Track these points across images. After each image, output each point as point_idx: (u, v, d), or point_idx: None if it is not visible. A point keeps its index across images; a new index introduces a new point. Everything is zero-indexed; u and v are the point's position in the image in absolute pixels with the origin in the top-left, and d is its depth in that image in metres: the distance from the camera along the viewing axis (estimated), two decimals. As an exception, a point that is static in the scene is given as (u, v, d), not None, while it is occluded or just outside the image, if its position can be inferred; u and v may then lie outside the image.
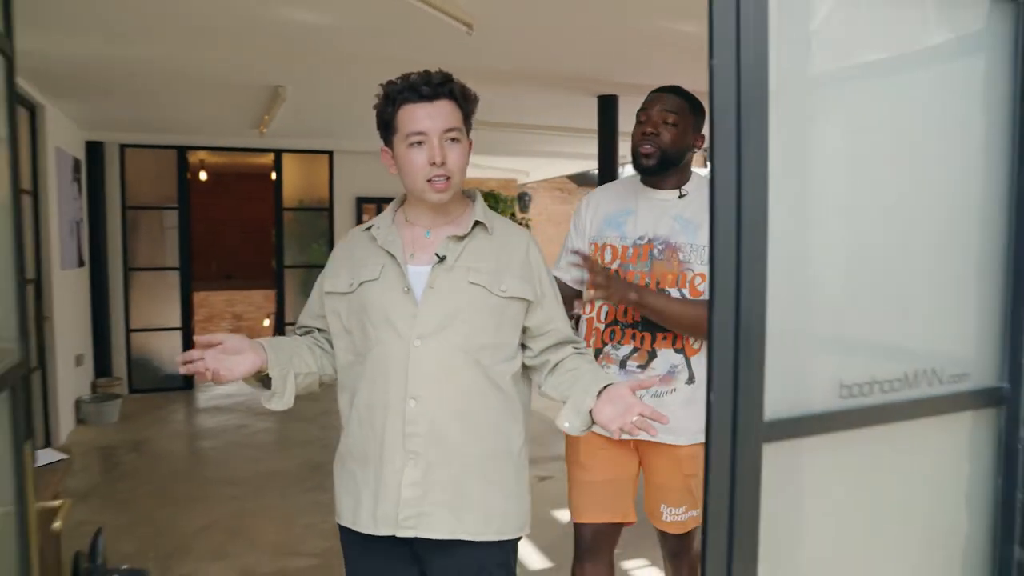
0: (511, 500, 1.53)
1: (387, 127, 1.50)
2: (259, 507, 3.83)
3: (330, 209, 7.18)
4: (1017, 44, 1.10)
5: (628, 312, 1.93)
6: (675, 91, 1.99)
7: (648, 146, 1.92)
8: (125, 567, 2.04)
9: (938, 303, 1.11)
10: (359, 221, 7.13)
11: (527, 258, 1.55)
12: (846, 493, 1.07)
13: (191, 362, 1.40)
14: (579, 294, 1.98)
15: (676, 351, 1.90)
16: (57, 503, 1.87)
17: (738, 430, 0.88)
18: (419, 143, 1.45)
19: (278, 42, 3.48)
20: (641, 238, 1.96)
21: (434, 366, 1.46)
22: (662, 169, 1.93)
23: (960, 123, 1.12)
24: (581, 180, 10.64)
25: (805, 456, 1.00)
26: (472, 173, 6.64)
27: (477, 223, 1.53)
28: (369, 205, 7.25)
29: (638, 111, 1.99)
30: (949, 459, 1.13)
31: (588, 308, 1.99)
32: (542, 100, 4.89)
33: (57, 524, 1.83)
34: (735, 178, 0.87)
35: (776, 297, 0.89)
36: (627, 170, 5.60)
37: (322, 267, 1.65)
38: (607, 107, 4.66)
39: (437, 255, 1.49)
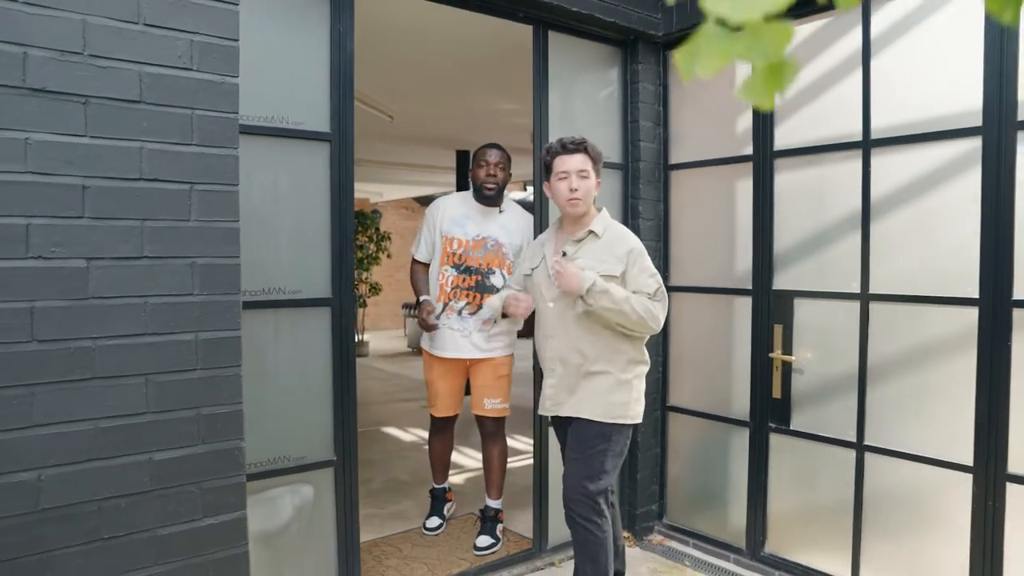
0: (612, 395, 2.28)
1: (547, 170, 2.29)
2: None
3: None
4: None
5: (466, 281, 2.85)
6: (499, 146, 2.93)
7: (492, 185, 2.88)
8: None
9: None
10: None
11: (626, 250, 2.26)
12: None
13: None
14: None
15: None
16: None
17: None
18: (563, 178, 2.25)
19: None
20: (478, 235, 2.90)
21: (560, 318, 2.29)
22: (497, 197, 2.92)
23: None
24: (425, 202, 11.78)
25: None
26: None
27: (590, 231, 2.28)
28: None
29: (478, 156, 2.90)
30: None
31: (453, 281, 2.92)
32: (423, 151, 7.20)
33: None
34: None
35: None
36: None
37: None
38: (463, 158, 6.95)
39: (563, 252, 2.28)
